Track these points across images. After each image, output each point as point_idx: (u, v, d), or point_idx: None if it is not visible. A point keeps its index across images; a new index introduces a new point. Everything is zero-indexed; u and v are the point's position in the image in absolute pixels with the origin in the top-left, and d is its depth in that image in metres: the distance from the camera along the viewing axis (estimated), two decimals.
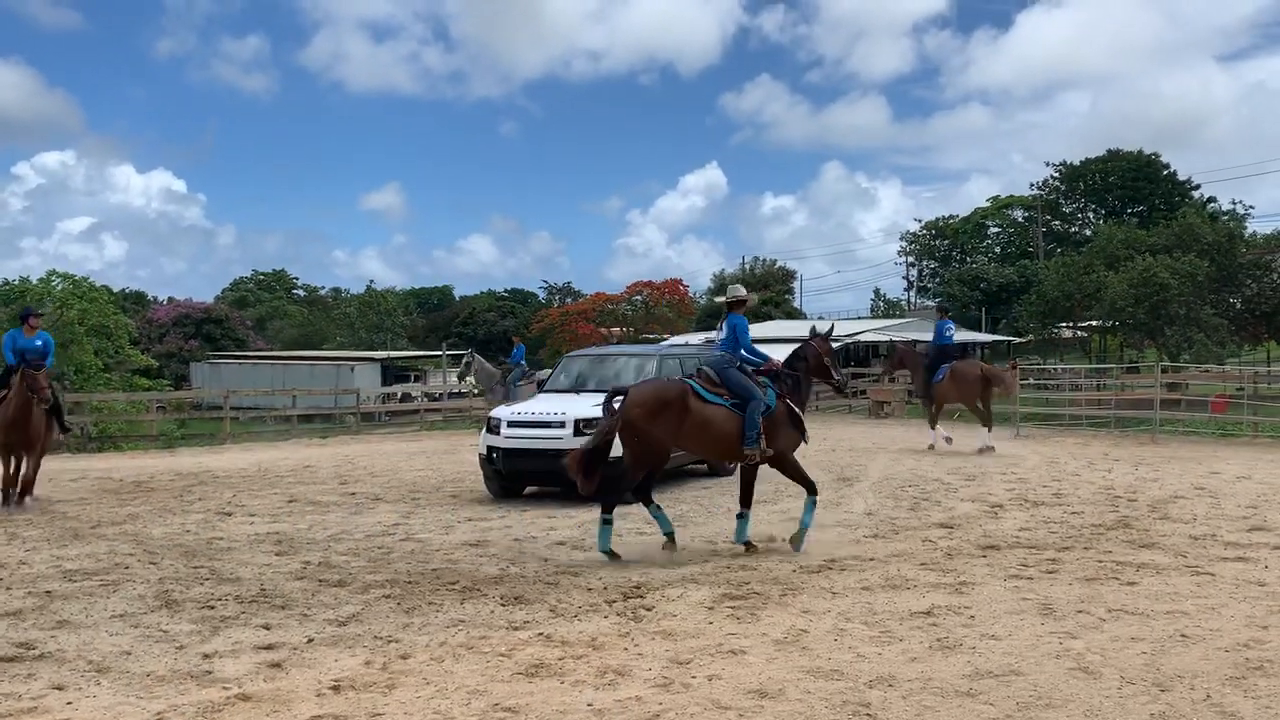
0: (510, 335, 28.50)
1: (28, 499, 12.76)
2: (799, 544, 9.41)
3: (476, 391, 24.04)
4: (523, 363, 23.23)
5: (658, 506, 9.63)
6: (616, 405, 9.37)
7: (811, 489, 9.70)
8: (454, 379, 24.89)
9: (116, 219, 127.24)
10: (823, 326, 11.04)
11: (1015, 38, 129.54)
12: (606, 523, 9.15)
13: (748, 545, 9.52)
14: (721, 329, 9.86)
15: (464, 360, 23.52)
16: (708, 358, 10.05)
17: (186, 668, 6.07)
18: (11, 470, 12.77)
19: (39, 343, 12.88)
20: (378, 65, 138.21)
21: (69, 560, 9.35)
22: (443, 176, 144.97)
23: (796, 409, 9.77)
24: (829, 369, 10.23)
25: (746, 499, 9.70)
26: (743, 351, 9.71)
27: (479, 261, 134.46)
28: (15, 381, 12.38)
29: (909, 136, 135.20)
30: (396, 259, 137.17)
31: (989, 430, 18.25)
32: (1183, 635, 6.56)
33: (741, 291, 10.24)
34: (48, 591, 8.07)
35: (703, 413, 9.25)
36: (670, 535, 9.60)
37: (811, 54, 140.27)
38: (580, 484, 9.21)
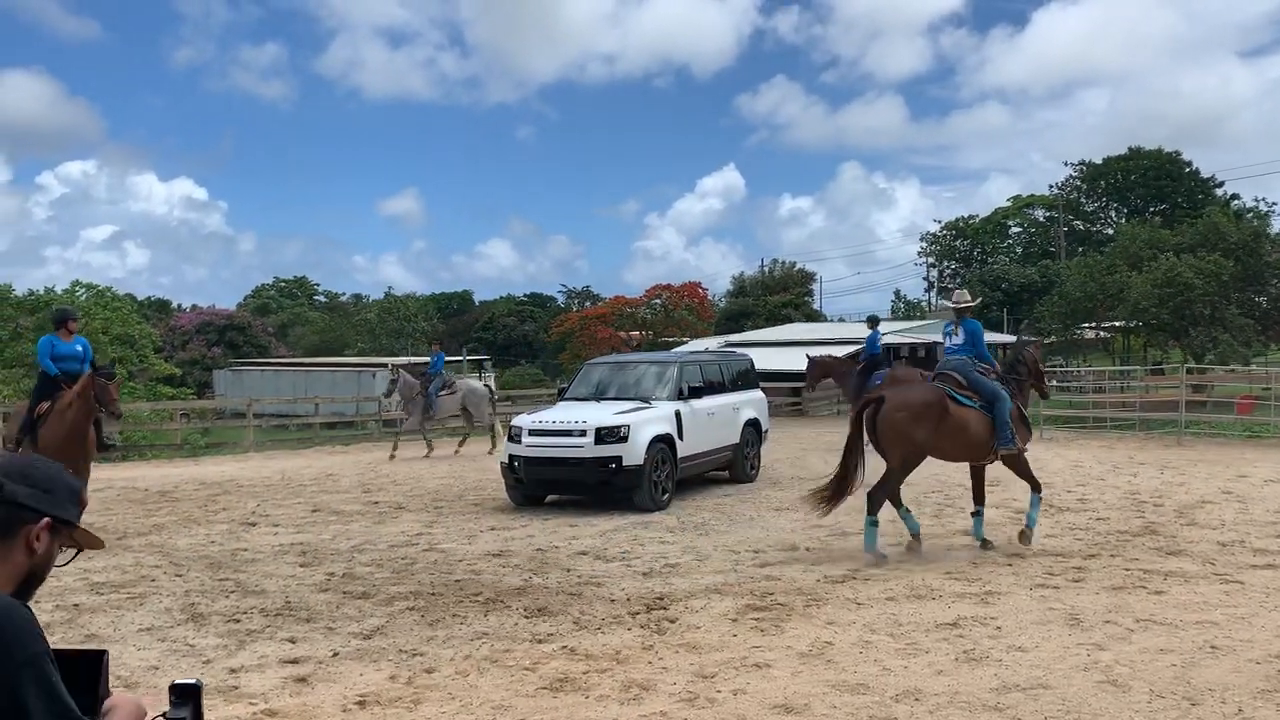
0: (432, 342, 24.92)
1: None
2: (1029, 540, 9.80)
3: (398, 406, 22.21)
4: (442, 372, 21.59)
5: (907, 509, 9.98)
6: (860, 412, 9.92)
7: (1036, 486, 10.19)
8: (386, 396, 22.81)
9: (139, 227, 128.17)
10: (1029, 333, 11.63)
11: (1032, 36, 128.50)
12: (873, 524, 9.51)
13: (984, 542, 9.94)
14: (958, 333, 10.25)
15: (389, 379, 21.88)
16: (952, 362, 10.26)
17: (213, 683, 6.10)
18: None
19: (78, 348, 11.64)
20: (394, 71, 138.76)
21: (96, 572, 9.42)
22: (460, 181, 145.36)
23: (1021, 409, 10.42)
24: (1043, 374, 11.10)
25: (980, 496, 10.28)
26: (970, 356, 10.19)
27: (498, 266, 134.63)
28: (69, 392, 11.08)
29: (926, 136, 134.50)
30: (416, 264, 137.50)
31: None
32: (1212, 646, 6.49)
33: (967, 297, 10.72)
34: (75, 604, 8.14)
35: (960, 415, 9.71)
36: (915, 534, 9.89)
37: (827, 54, 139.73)
38: (824, 510, 9.83)
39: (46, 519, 2.07)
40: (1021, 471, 10.22)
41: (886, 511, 9.67)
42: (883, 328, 23.89)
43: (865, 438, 9.84)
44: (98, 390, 11.11)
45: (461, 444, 21.49)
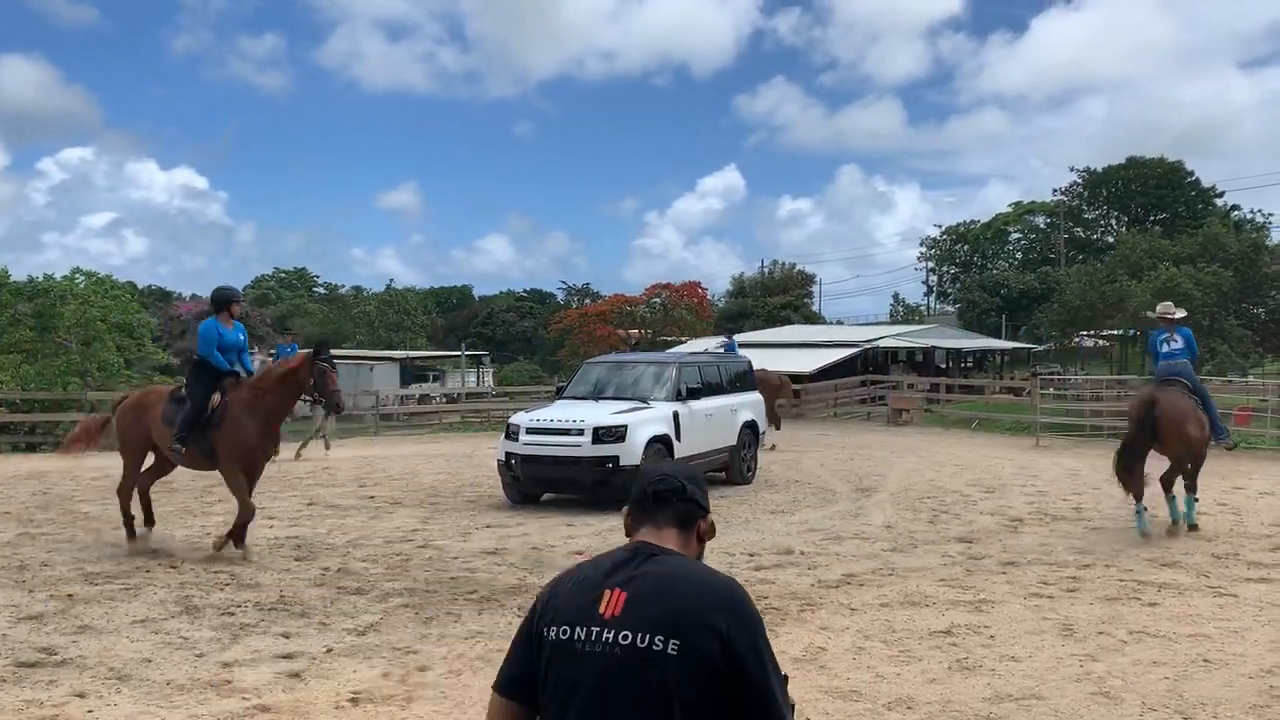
0: (286, 331, 20.80)
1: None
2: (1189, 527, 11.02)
3: None
4: None
5: (1172, 495, 11.02)
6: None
7: (1193, 487, 11.12)
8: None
9: (138, 215, 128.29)
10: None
11: (1031, 42, 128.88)
12: (1142, 510, 10.79)
13: (1192, 526, 11.05)
14: (1175, 339, 11.30)
15: (261, 362, 19.63)
16: (1175, 366, 11.27)
17: (207, 676, 6.10)
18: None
19: (241, 336, 10.25)
20: (393, 64, 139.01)
21: (91, 563, 9.42)
22: (459, 176, 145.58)
23: None
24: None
25: (1193, 484, 11.13)
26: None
27: (496, 261, 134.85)
28: (267, 378, 9.92)
29: (925, 140, 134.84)
30: (414, 258, 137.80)
31: (776, 429, 20.50)
32: (1205, 660, 6.50)
33: (1172, 307, 11.86)
34: (70, 595, 8.14)
35: (1200, 416, 10.97)
36: (1176, 520, 11.05)
37: (826, 56, 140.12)
38: (1130, 486, 10.76)
39: (709, 514, 2.56)
40: (1199, 468, 11.23)
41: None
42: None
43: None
44: (317, 377, 9.71)
45: (304, 446, 19.22)
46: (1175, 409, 10.74)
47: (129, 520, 10.23)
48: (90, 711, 5.53)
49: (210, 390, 9.70)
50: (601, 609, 2.31)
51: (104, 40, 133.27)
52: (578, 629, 2.32)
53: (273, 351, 20.81)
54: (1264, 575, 9.00)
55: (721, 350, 21.48)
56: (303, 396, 9.98)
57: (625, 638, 2.26)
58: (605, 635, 2.28)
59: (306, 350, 10.01)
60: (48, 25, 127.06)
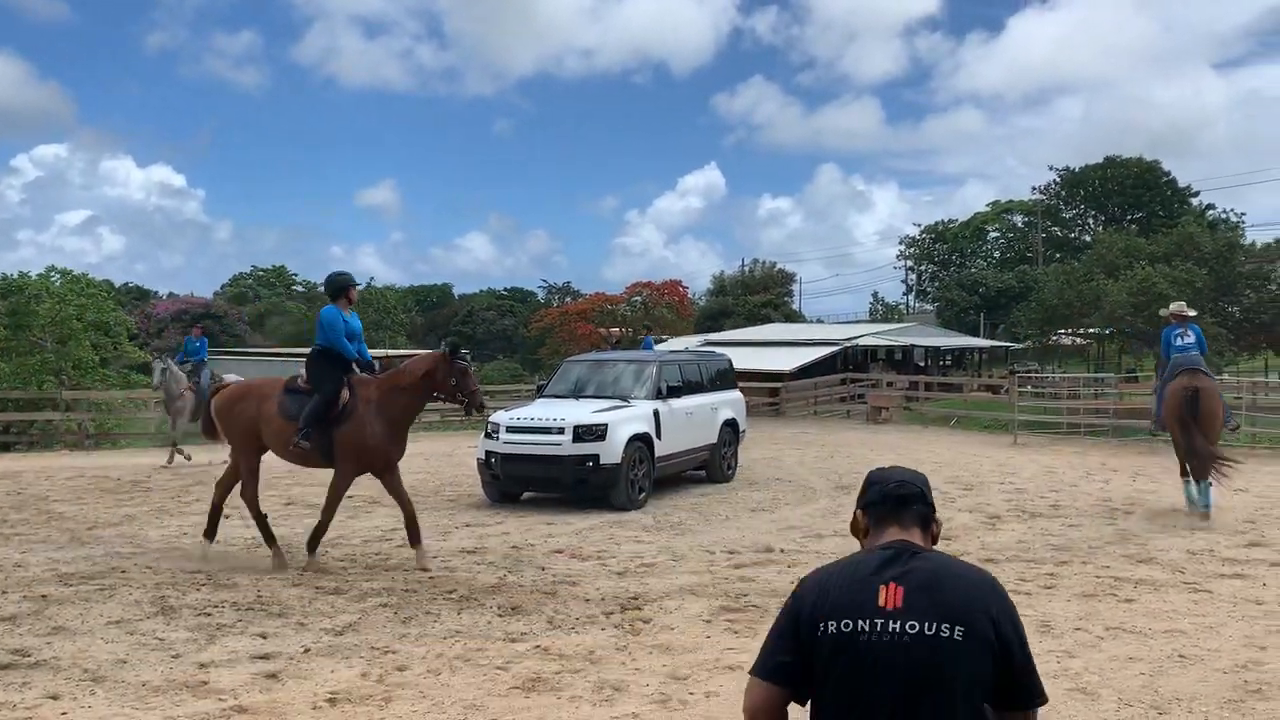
0: (193, 325, 17.96)
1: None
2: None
3: (163, 400, 18.59)
4: (206, 361, 18.21)
5: (1208, 484, 11.65)
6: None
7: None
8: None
9: (114, 213, 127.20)
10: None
11: (1007, 41, 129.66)
12: (1208, 485, 11.62)
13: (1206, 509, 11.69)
14: (1188, 334, 12.29)
15: (159, 368, 18.06)
16: (1191, 356, 12.16)
17: (182, 677, 6.05)
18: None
19: (358, 323, 9.77)
20: (371, 61, 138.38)
21: (65, 563, 9.33)
22: (438, 174, 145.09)
23: None
24: None
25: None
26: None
27: (476, 260, 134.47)
28: (401, 376, 9.52)
29: (903, 140, 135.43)
30: (394, 256, 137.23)
31: None
32: (1180, 655, 6.55)
33: (1185, 307, 12.84)
34: (44, 596, 8.05)
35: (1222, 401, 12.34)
36: (1196, 504, 11.82)
37: (804, 55, 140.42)
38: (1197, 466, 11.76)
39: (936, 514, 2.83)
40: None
41: None
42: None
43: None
44: (457, 376, 9.42)
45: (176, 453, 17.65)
46: (1212, 392, 11.86)
47: (264, 529, 9.48)
48: (64, 714, 5.47)
49: (340, 382, 9.27)
50: (881, 602, 2.52)
51: (77, 36, 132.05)
52: (860, 622, 2.51)
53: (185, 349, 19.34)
54: (1238, 571, 9.09)
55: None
56: (437, 395, 9.70)
57: (913, 627, 2.49)
58: (891, 626, 2.50)
59: (439, 350, 9.67)
60: (19, 20, 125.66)
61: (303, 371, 9.63)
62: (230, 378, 16.71)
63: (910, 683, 2.47)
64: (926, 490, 2.82)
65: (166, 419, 18.31)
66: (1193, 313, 13.07)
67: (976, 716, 2.51)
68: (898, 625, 2.50)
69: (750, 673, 2.67)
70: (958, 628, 2.49)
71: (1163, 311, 13.36)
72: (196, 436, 14.78)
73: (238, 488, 9.71)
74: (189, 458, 17.42)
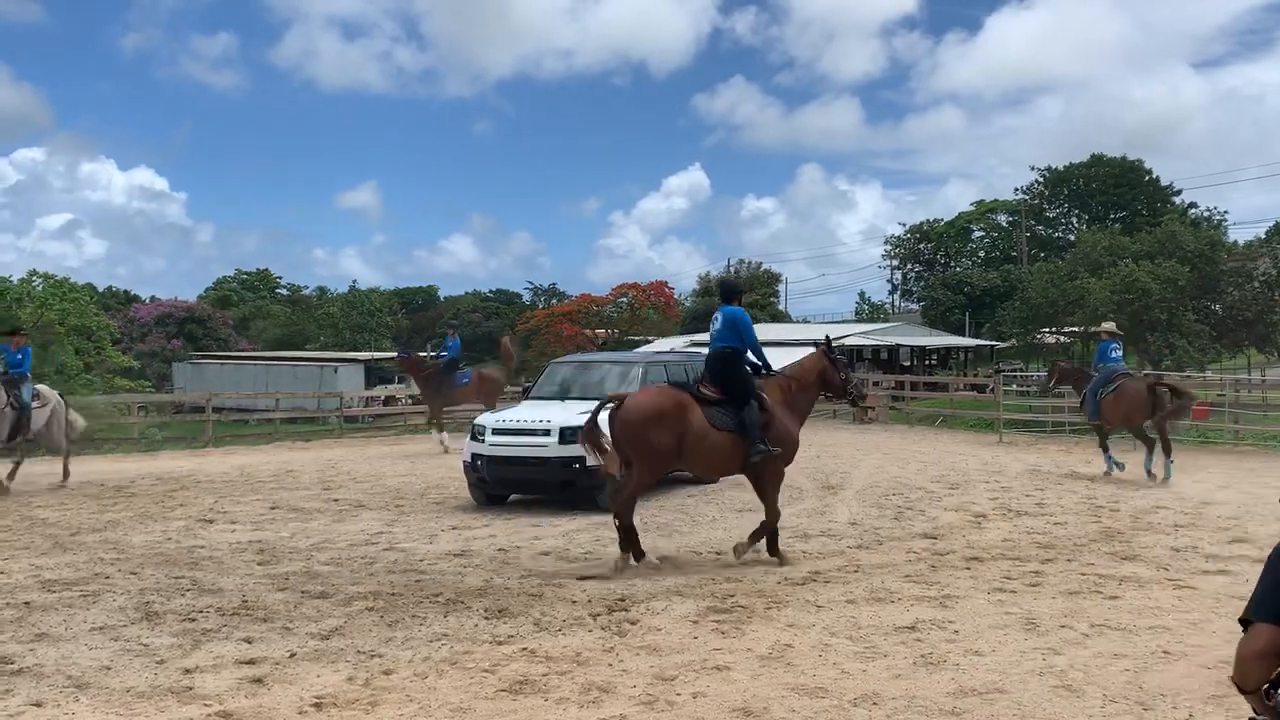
0: (14, 333, 15.04)
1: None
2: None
3: None
4: (29, 374, 15.60)
5: (1171, 460, 15.14)
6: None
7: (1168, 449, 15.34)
8: None
9: (95, 216, 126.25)
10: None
11: (985, 40, 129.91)
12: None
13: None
14: (1120, 349, 16.29)
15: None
16: (1122, 367, 16.31)
17: (167, 683, 6.01)
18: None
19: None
20: (349, 63, 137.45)
21: (48, 569, 9.27)
22: (419, 176, 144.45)
23: None
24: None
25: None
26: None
27: (460, 262, 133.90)
28: (783, 383, 9.64)
29: (884, 140, 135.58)
30: (377, 259, 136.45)
31: None
32: (1165, 651, 6.59)
33: (1114, 327, 17.21)
34: (26, 602, 7.99)
35: None
36: (1154, 473, 14.77)
37: (783, 55, 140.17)
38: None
39: None
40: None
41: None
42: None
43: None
44: (843, 371, 9.98)
45: (12, 473, 15.25)
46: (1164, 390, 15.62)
47: (629, 537, 9.16)
48: None
49: (755, 385, 9.26)
50: None
51: (51, 38, 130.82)
52: None
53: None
54: (1222, 568, 9.14)
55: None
56: (825, 394, 9.95)
57: None
58: None
59: (819, 348, 9.88)
60: None
61: (695, 377, 9.61)
62: (50, 394, 15.96)
63: None
64: None
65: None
66: (1120, 332, 17.29)
67: None
68: None
69: (1245, 619, 2.82)
70: None
71: (1095, 329, 17.60)
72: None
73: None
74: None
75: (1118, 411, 15.60)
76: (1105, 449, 16.20)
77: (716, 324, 9.39)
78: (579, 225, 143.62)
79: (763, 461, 9.19)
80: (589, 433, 9.20)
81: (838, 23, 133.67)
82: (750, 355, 9.42)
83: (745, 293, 9.76)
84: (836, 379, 9.79)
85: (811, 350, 10.10)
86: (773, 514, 9.40)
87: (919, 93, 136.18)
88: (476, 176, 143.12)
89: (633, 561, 9.14)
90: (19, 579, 8.89)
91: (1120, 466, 15.72)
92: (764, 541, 9.47)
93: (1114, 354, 16.17)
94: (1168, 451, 15.29)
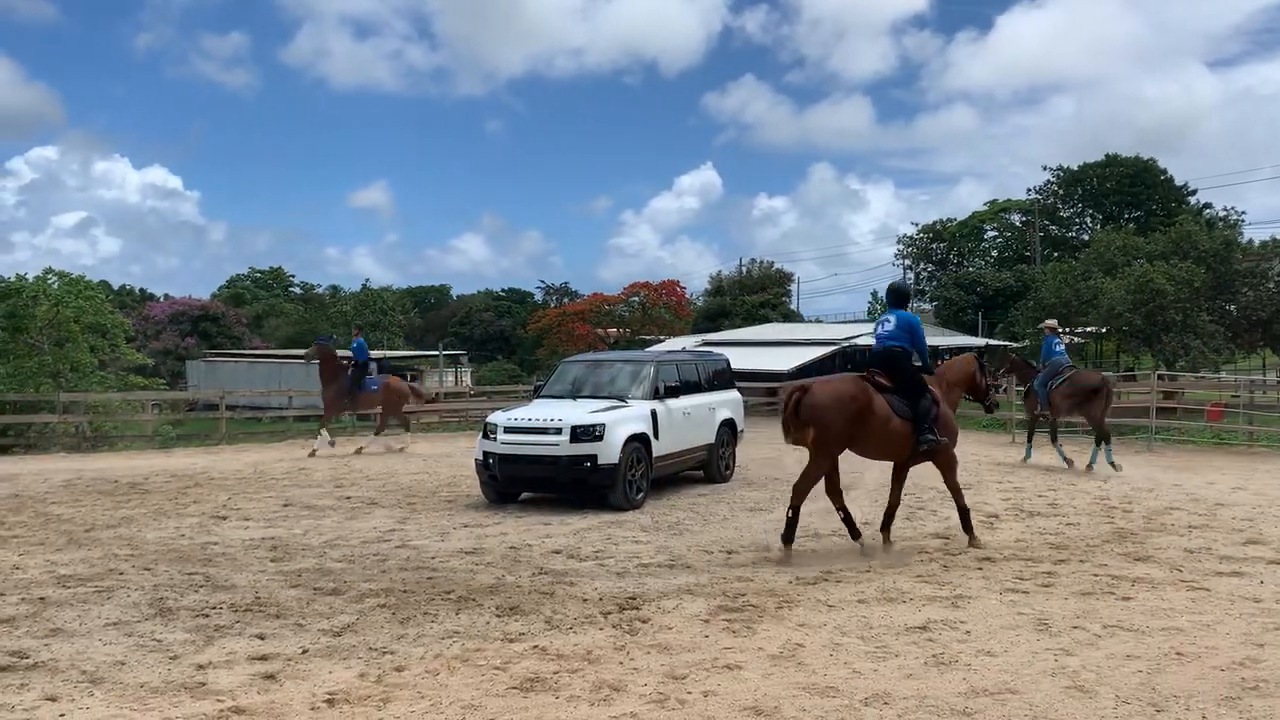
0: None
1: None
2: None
3: None
4: None
5: (1110, 447, 16.15)
6: None
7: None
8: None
9: (110, 214, 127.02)
10: None
11: (997, 39, 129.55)
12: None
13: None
14: (1062, 343, 17.73)
15: None
16: (1066, 359, 17.63)
17: (180, 679, 6.05)
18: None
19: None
20: (360, 62, 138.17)
21: (63, 565, 9.33)
22: (431, 174, 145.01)
23: None
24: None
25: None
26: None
27: (471, 260, 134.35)
28: (937, 380, 10.41)
29: (895, 139, 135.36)
30: (389, 257, 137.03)
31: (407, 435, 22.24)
32: (1178, 653, 6.56)
33: (1055, 324, 18.50)
34: (41, 598, 8.05)
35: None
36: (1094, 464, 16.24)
37: (794, 54, 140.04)
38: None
39: None
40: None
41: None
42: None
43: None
44: (987, 375, 10.99)
45: None
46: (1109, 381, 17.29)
47: (793, 522, 9.73)
48: (62, 715, 5.47)
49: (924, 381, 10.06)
50: None
51: (63, 36, 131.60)
52: None
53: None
54: (1236, 569, 9.09)
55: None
56: (966, 395, 10.81)
57: None
58: None
59: (971, 354, 11.08)
60: (3, 20, 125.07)
61: (869, 369, 10.16)
62: None
63: None
64: None
65: None
66: (1062, 329, 18.72)
67: None
68: None
69: None
70: None
71: (1041, 325, 18.72)
72: None
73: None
74: None
75: (1069, 401, 16.92)
76: (1030, 439, 18.25)
77: (889, 325, 10.12)
78: (590, 224, 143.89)
79: (932, 450, 9.88)
80: (790, 423, 9.77)
81: (848, 21, 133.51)
82: (915, 356, 10.25)
83: (912, 298, 10.64)
84: (982, 384, 10.80)
85: (967, 354, 11.30)
86: (959, 494, 10.30)
87: (930, 92, 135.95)
88: (487, 175, 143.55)
89: (782, 546, 9.70)
90: (34, 574, 8.95)
91: (1109, 460, 16.54)
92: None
93: (1058, 349, 17.54)
94: (1107, 441, 16.63)
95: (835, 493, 10.03)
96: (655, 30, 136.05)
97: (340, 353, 21.50)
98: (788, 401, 9.80)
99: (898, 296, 10.50)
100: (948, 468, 10.21)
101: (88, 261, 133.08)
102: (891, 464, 10.26)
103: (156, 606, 7.77)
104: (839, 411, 9.53)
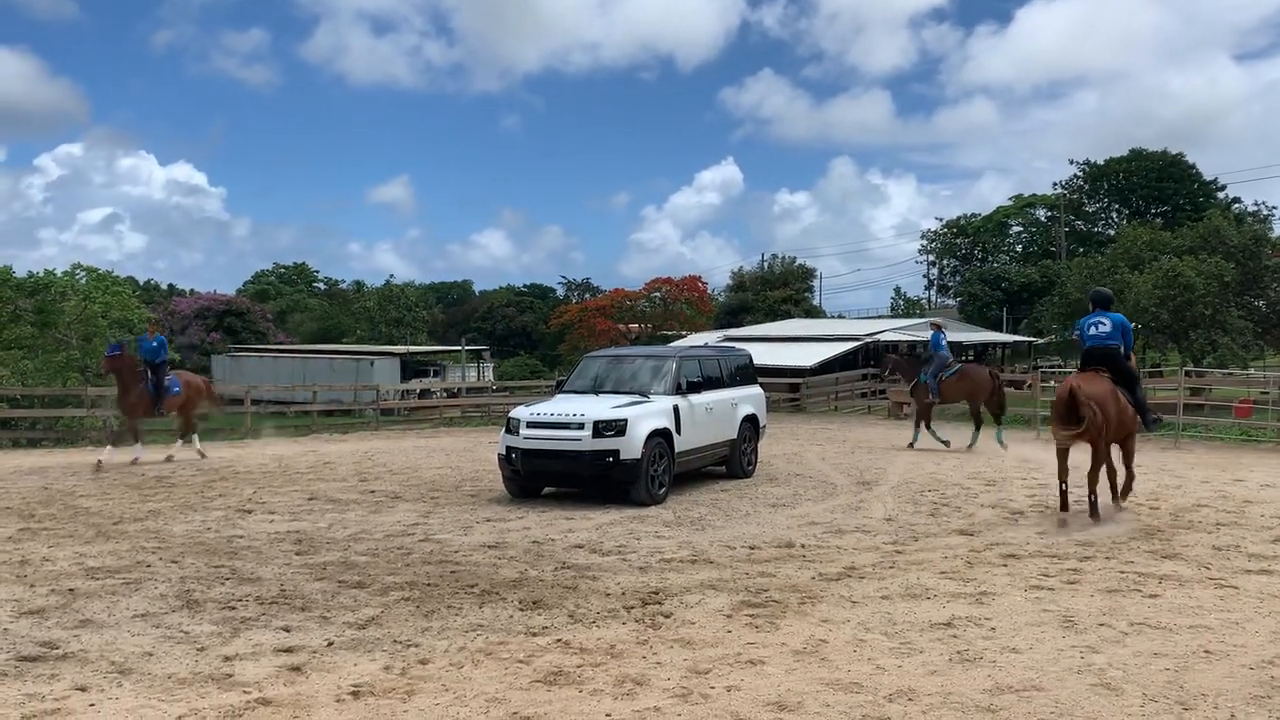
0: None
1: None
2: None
3: None
4: None
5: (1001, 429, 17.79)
6: None
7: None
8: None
9: (135, 210, 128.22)
10: None
11: (1017, 32, 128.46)
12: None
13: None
14: (946, 338, 19.88)
15: None
16: (949, 355, 19.46)
17: (207, 670, 6.11)
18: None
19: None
20: (379, 59, 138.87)
21: (92, 557, 9.43)
22: (451, 170, 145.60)
23: None
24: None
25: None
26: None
27: (493, 256, 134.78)
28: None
29: (916, 133, 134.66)
30: (410, 253, 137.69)
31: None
32: (1206, 651, 6.50)
33: (940, 320, 20.02)
34: (71, 589, 8.14)
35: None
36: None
37: (812, 48, 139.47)
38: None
39: None
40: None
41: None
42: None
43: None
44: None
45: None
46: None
47: (1094, 504, 11.15)
48: (92, 705, 5.54)
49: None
50: None
51: (85, 34, 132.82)
52: None
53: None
54: (1265, 567, 9.00)
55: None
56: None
57: None
58: None
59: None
60: (28, 18, 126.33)
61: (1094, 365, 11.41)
62: None
63: None
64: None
65: None
66: (945, 325, 21.70)
67: None
68: None
69: None
70: None
71: (929, 321, 19.92)
72: None
73: None
74: None
75: (960, 391, 19.43)
76: (925, 425, 19.68)
77: (1105, 326, 11.49)
78: (610, 220, 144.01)
79: (1127, 432, 11.46)
80: (1067, 417, 10.80)
81: (866, 15, 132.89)
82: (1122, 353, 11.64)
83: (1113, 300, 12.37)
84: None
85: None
86: (1131, 469, 11.85)
87: (950, 86, 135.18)
88: (506, 171, 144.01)
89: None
90: (64, 566, 9.06)
91: (945, 443, 19.15)
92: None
93: (944, 344, 20.01)
94: (998, 422, 19.46)
95: (1095, 477, 11.18)
96: (672, 25, 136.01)
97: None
98: (1061, 400, 10.98)
99: (1105, 300, 11.89)
100: (1132, 447, 11.84)
101: (113, 257, 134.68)
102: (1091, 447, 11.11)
103: (184, 599, 7.85)
104: (1114, 401, 10.98)
